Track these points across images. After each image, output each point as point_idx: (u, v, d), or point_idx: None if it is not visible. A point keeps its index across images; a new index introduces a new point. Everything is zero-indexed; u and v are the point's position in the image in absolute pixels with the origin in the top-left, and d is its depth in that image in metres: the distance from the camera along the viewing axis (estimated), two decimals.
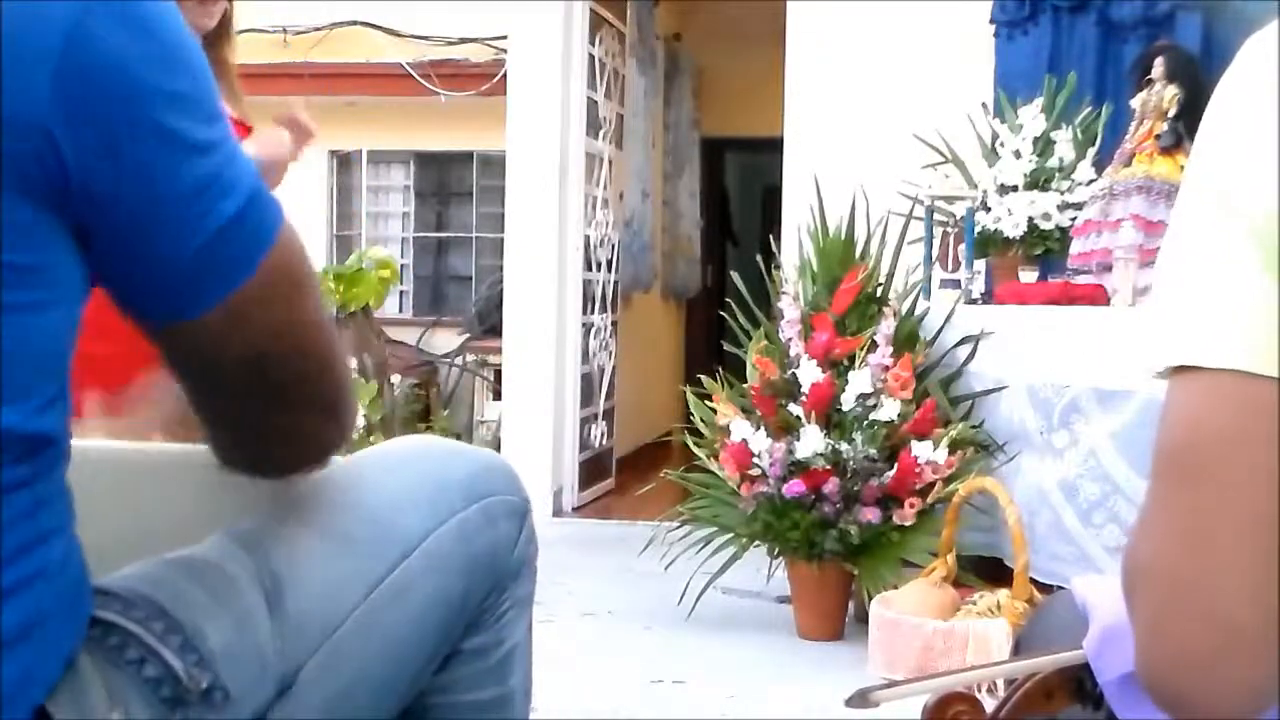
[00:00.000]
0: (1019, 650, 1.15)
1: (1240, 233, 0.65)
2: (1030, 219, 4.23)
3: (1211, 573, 0.61)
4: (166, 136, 0.87)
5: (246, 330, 0.93)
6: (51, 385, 0.89)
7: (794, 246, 4.29)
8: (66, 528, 0.93)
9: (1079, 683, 0.95)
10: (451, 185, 8.43)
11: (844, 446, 3.67)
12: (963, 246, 4.19)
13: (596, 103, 6.27)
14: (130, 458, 1.20)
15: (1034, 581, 3.20)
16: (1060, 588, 1.83)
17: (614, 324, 6.67)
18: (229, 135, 0.92)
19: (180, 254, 0.89)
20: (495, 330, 6.69)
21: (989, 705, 0.97)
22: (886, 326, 3.80)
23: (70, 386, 0.93)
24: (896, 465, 3.66)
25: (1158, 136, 3.86)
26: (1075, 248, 4.01)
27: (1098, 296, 3.73)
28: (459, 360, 7.76)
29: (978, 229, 4.18)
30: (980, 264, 4.19)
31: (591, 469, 6.33)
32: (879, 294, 3.98)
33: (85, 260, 0.89)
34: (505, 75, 6.16)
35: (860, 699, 0.90)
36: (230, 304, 0.91)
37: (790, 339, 3.87)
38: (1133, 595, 0.66)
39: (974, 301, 4.09)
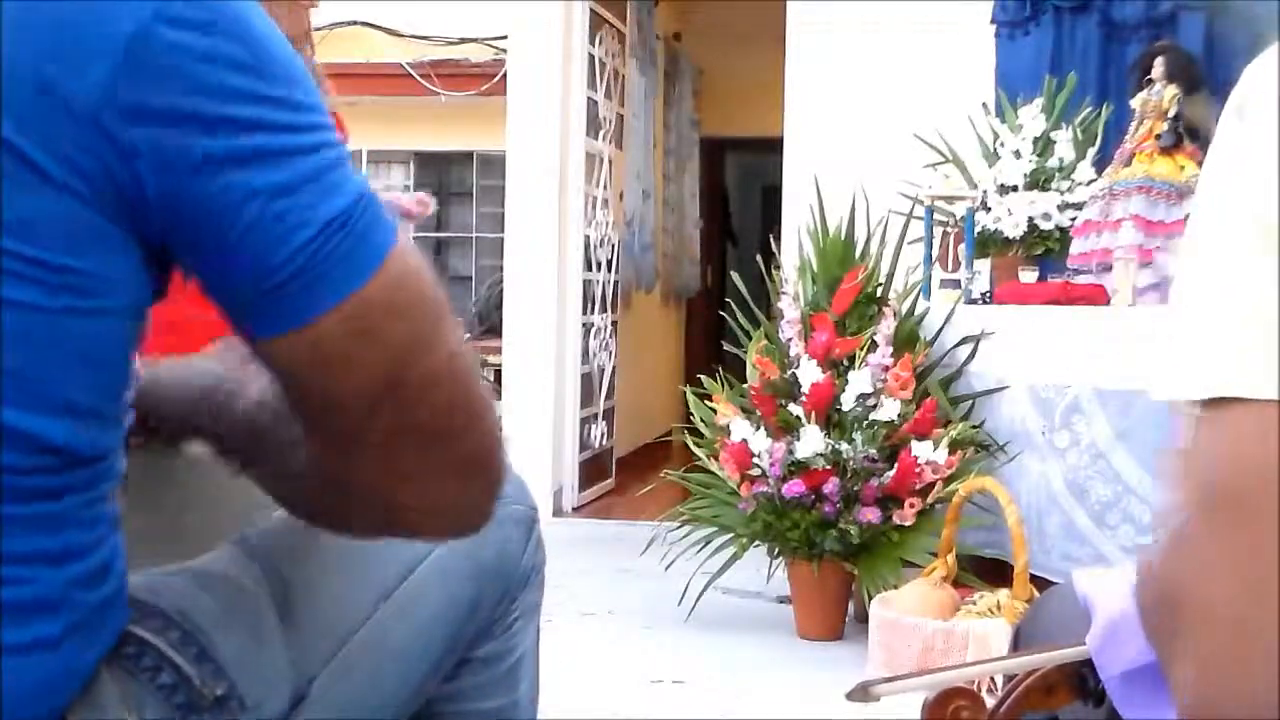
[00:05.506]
0: (1017, 644, 1.15)
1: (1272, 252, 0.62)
2: (1030, 219, 4.22)
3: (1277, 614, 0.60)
4: (242, 137, 0.80)
5: (369, 347, 0.83)
6: (97, 399, 0.84)
7: (794, 246, 4.29)
8: (104, 544, 0.89)
9: (1081, 679, 0.95)
10: (451, 185, 8.43)
11: (844, 446, 3.67)
12: (963, 246, 4.18)
13: (596, 103, 6.26)
14: (138, 460, 1.18)
15: (1042, 581, 3.20)
16: None
17: (614, 324, 6.66)
18: (330, 138, 0.85)
19: (275, 256, 0.81)
20: (495, 330, 6.68)
21: (990, 703, 0.96)
22: (886, 326, 3.79)
23: (127, 398, 0.89)
24: (896, 465, 3.66)
25: (1158, 136, 3.85)
26: (1075, 248, 4.00)
27: (1098, 296, 3.73)
28: None
29: (978, 229, 4.18)
30: (980, 264, 4.18)
31: (591, 469, 6.32)
32: (879, 294, 3.98)
33: (152, 271, 0.84)
34: (505, 75, 6.15)
35: (861, 692, 0.90)
36: (344, 310, 0.81)
37: (790, 339, 3.87)
38: (1179, 631, 0.63)
39: (974, 301, 4.08)
